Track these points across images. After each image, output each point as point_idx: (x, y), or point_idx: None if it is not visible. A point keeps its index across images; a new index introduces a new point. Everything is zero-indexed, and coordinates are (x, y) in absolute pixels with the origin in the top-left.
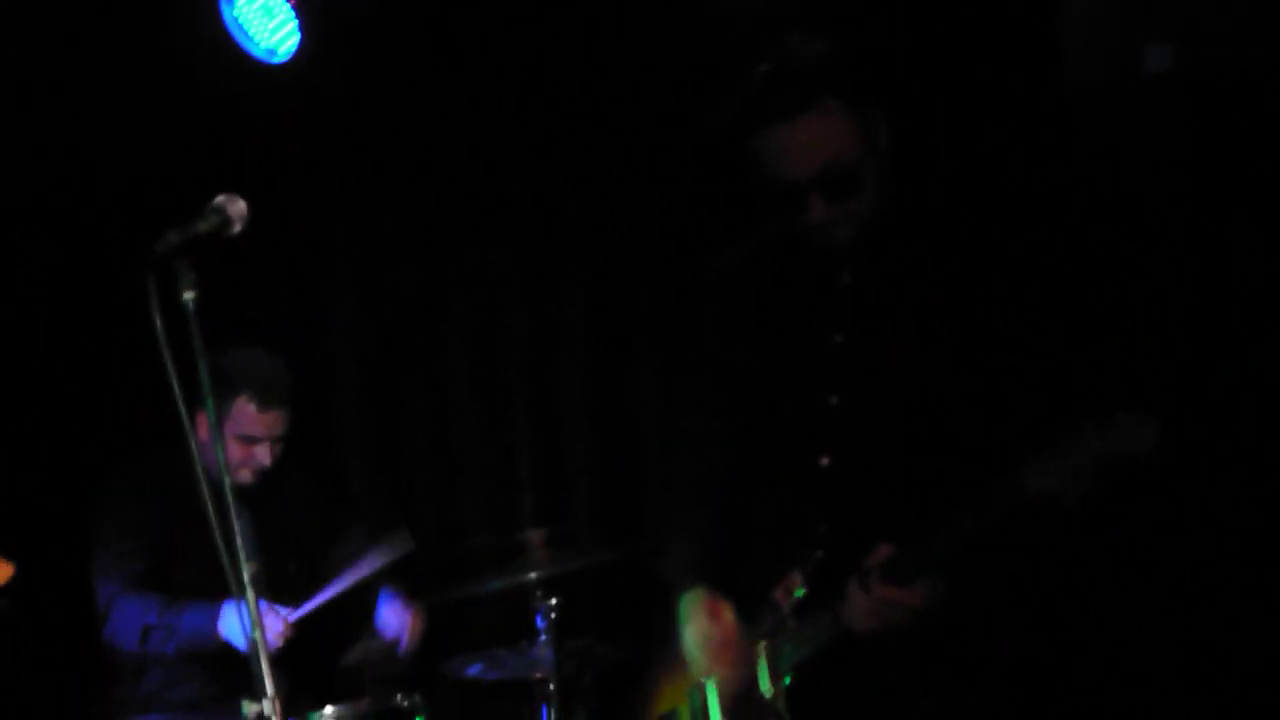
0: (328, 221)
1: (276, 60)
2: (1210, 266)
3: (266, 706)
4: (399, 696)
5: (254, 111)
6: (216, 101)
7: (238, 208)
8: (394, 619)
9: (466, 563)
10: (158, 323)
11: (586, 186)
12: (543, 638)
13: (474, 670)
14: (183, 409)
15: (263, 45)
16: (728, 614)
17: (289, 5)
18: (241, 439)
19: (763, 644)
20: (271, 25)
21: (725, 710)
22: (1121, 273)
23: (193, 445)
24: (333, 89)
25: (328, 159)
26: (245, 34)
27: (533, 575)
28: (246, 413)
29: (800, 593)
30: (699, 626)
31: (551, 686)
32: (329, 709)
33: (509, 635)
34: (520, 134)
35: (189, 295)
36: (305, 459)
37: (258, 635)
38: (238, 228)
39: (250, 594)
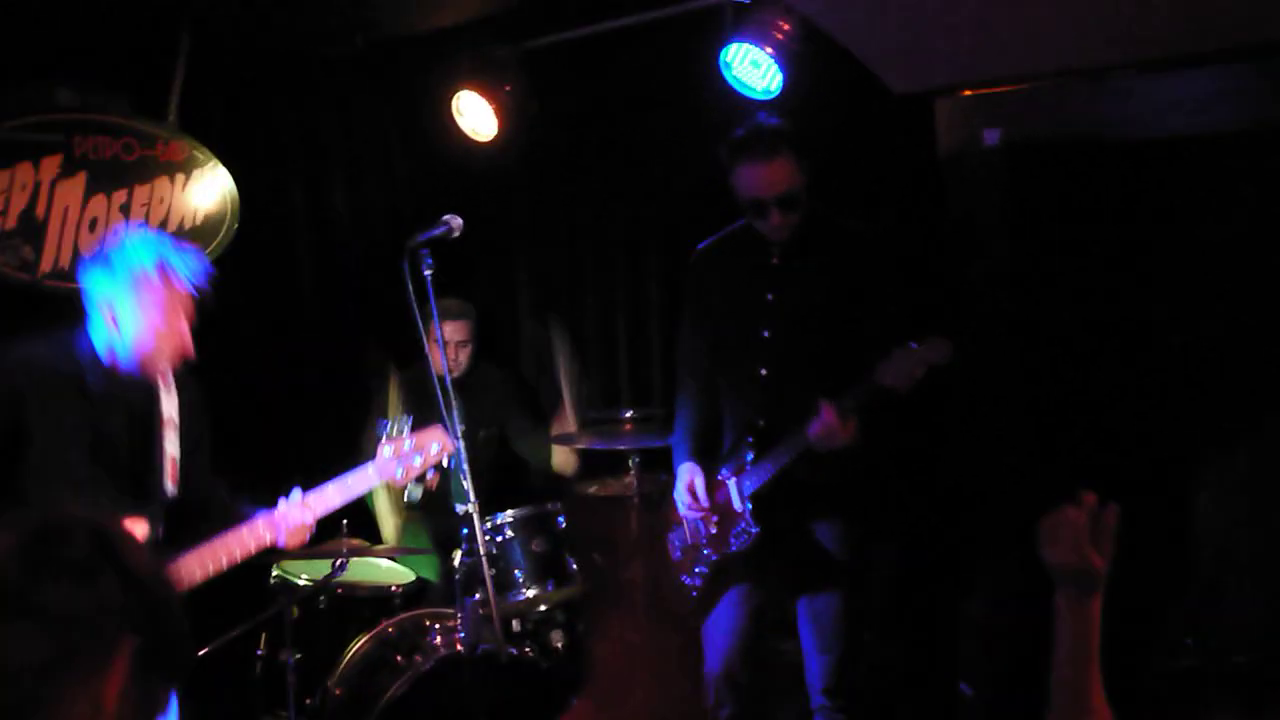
0: (507, 231)
1: (485, 140)
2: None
3: (471, 508)
4: (548, 504)
5: (473, 169)
6: (445, 160)
7: (458, 222)
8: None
9: (590, 427)
10: (409, 287)
11: (653, 201)
12: (632, 471)
13: (591, 489)
14: (423, 335)
15: (477, 130)
16: (700, 486)
17: (491, 106)
18: (449, 345)
19: (732, 480)
20: (482, 118)
21: (714, 520)
22: (939, 263)
23: (428, 356)
24: (515, 155)
25: (511, 196)
26: (467, 123)
27: (623, 447)
28: (440, 328)
29: (750, 445)
30: (681, 492)
31: (635, 501)
32: (508, 511)
33: (612, 470)
34: (624, 177)
35: (427, 272)
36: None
37: (463, 463)
38: (456, 234)
39: (462, 444)
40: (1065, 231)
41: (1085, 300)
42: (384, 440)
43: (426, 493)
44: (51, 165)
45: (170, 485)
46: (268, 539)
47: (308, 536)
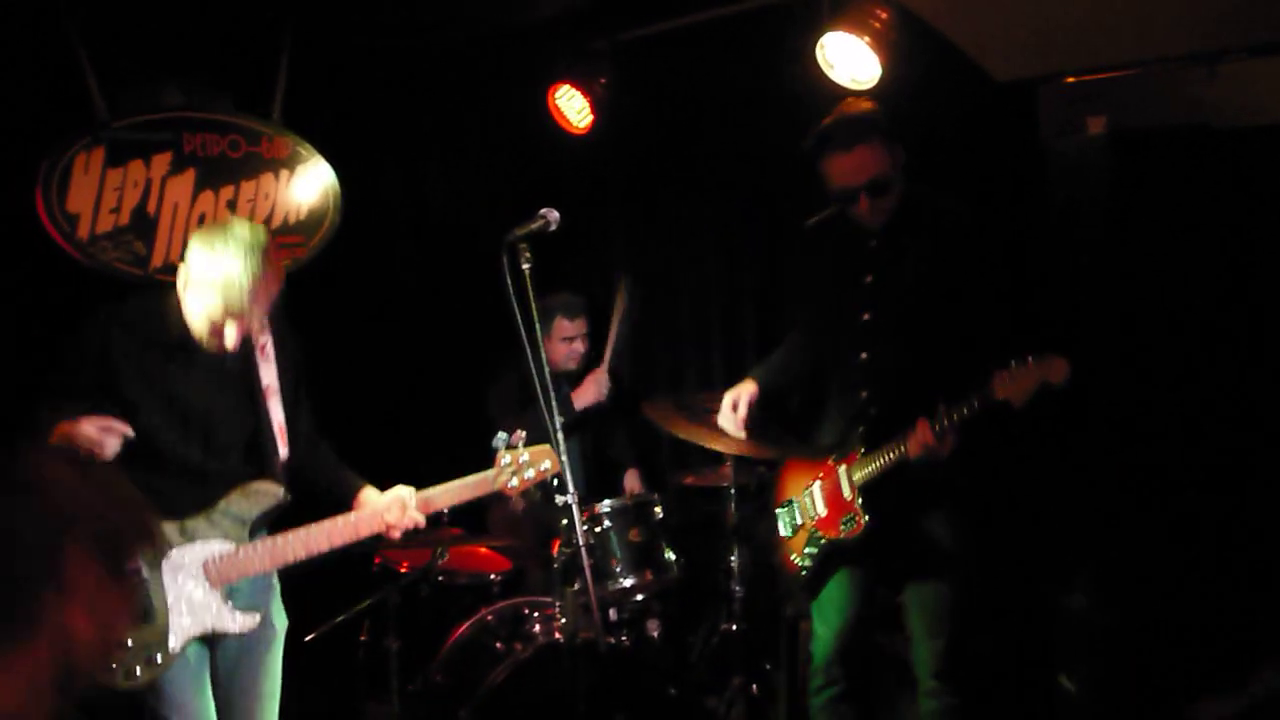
0: (602, 222)
1: (580, 133)
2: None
3: (570, 498)
4: (645, 494)
5: (567, 162)
6: (548, 156)
7: (555, 215)
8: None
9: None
10: (509, 281)
11: (746, 191)
12: (729, 462)
13: (689, 480)
14: (522, 331)
15: (572, 123)
16: (744, 403)
17: (586, 99)
18: (564, 340)
19: (843, 468)
20: (577, 112)
21: (825, 503)
22: (1041, 254)
23: (527, 353)
24: (610, 148)
25: (606, 188)
26: (561, 117)
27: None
28: (562, 325)
29: (862, 434)
30: (728, 399)
31: (732, 490)
32: (606, 502)
33: (710, 460)
34: (718, 167)
35: (526, 266)
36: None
37: (562, 454)
38: (554, 227)
39: (561, 436)
40: (1174, 222)
41: (1195, 294)
42: (500, 452)
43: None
44: (162, 163)
45: (284, 450)
46: (373, 531)
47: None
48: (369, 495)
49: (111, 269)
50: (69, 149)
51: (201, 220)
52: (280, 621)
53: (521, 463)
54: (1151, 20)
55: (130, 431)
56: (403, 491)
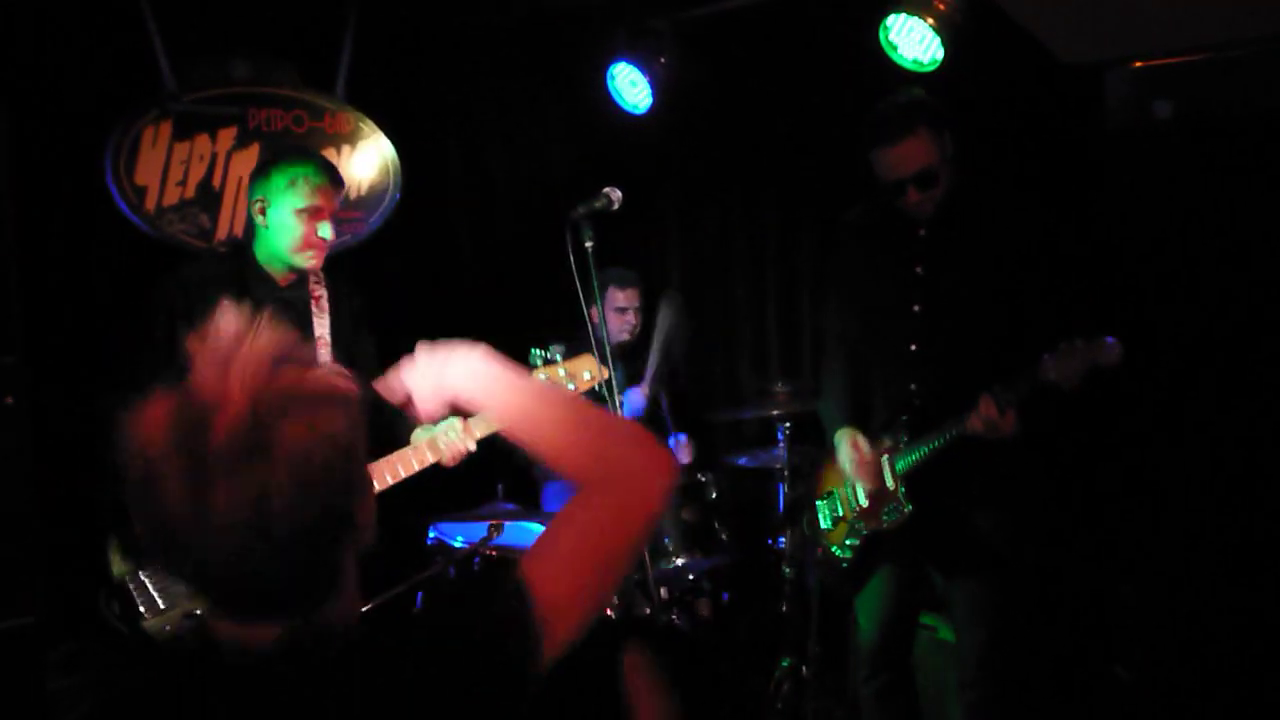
0: (660, 203)
1: (638, 112)
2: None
3: None
4: (698, 475)
5: (625, 141)
6: (607, 134)
7: (617, 194)
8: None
9: (743, 397)
10: (571, 257)
11: (805, 174)
12: (781, 443)
13: (741, 461)
14: (584, 305)
15: (630, 102)
16: (863, 443)
17: (647, 79)
18: (617, 311)
19: (885, 457)
20: (635, 91)
21: (867, 496)
22: (1104, 242)
23: (588, 320)
24: (668, 128)
25: (664, 168)
26: (620, 95)
27: (775, 413)
28: (615, 295)
29: (905, 423)
30: (846, 453)
31: (786, 472)
32: None
33: (762, 441)
34: (777, 150)
35: (589, 243)
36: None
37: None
38: (616, 206)
39: (618, 401)
40: (1244, 211)
41: (1259, 283)
42: (537, 369)
43: None
44: (227, 137)
45: None
46: (430, 460)
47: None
48: (420, 434)
49: (177, 240)
50: (137, 121)
51: None
52: None
53: (560, 377)
54: (1222, 3)
55: None
56: (453, 420)
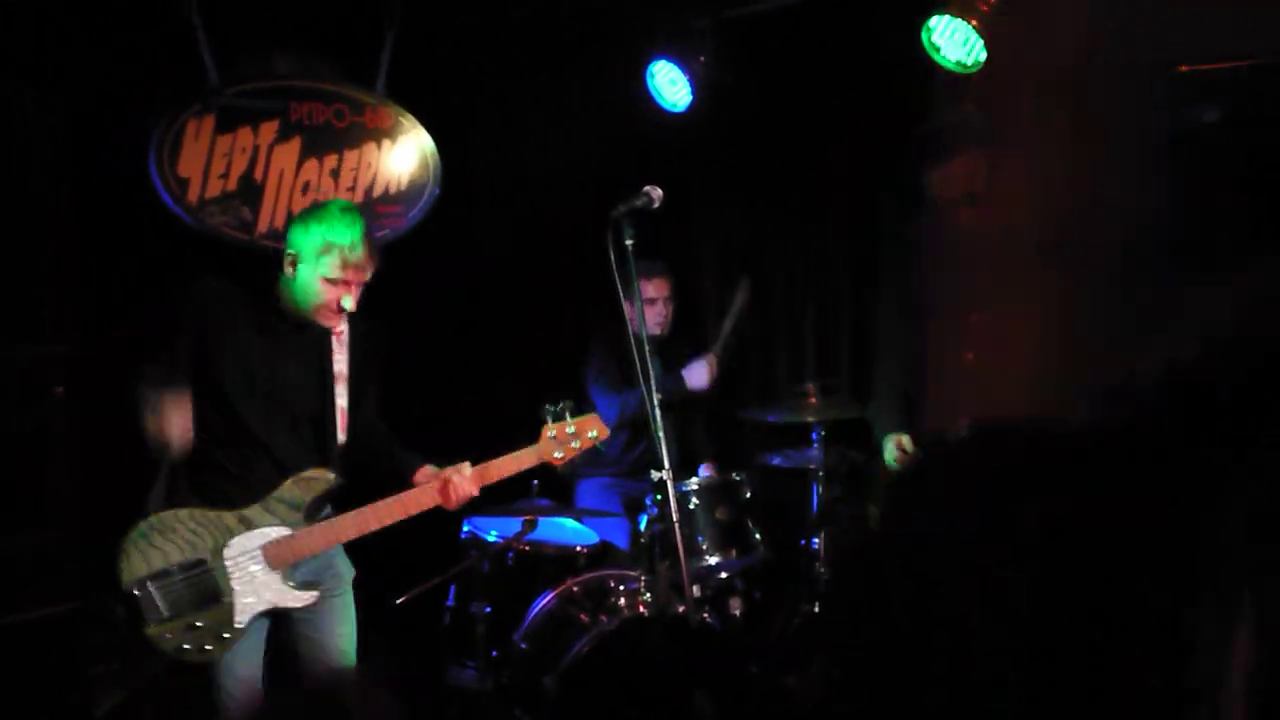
0: (697, 201)
1: (677, 110)
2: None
3: (666, 474)
4: (733, 474)
5: (664, 139)
6: (645, 132)
7: (658, 193)
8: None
9: (777, 398)
10: (611, 252)
11: (843, 175)
12: (815, 444)
13: (775, 460)
14: (623, 301)
15: (669, 100)
16: (908, 444)
17: (686, 78)
18: (647, 302)
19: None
20: (675, 89)
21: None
22: None
23: (626, 317)
24: (707, 127)
25: (702, 167)
26: (659, 93)
27: (810, 419)
28: (644, 287)
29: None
30: (892, 454)
31: (821, 473)
32: (693, 479)
33: (796, 441)
34: (814, 150)
35: (629, 241)
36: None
37: (658, 430)
38: (657, 205)
39: (655, 399)
40: None
41: None
42: (547, 424)
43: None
44: (269, 130)
45: (341, 435)
46: (431, 504)
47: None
48: (426, 472)
49: (218, 233)
50: (181, 114)
51: (305, 188)
52: (347, 572)
53: (568, 434)
54: (1272, 8)
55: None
56: (461, 467)
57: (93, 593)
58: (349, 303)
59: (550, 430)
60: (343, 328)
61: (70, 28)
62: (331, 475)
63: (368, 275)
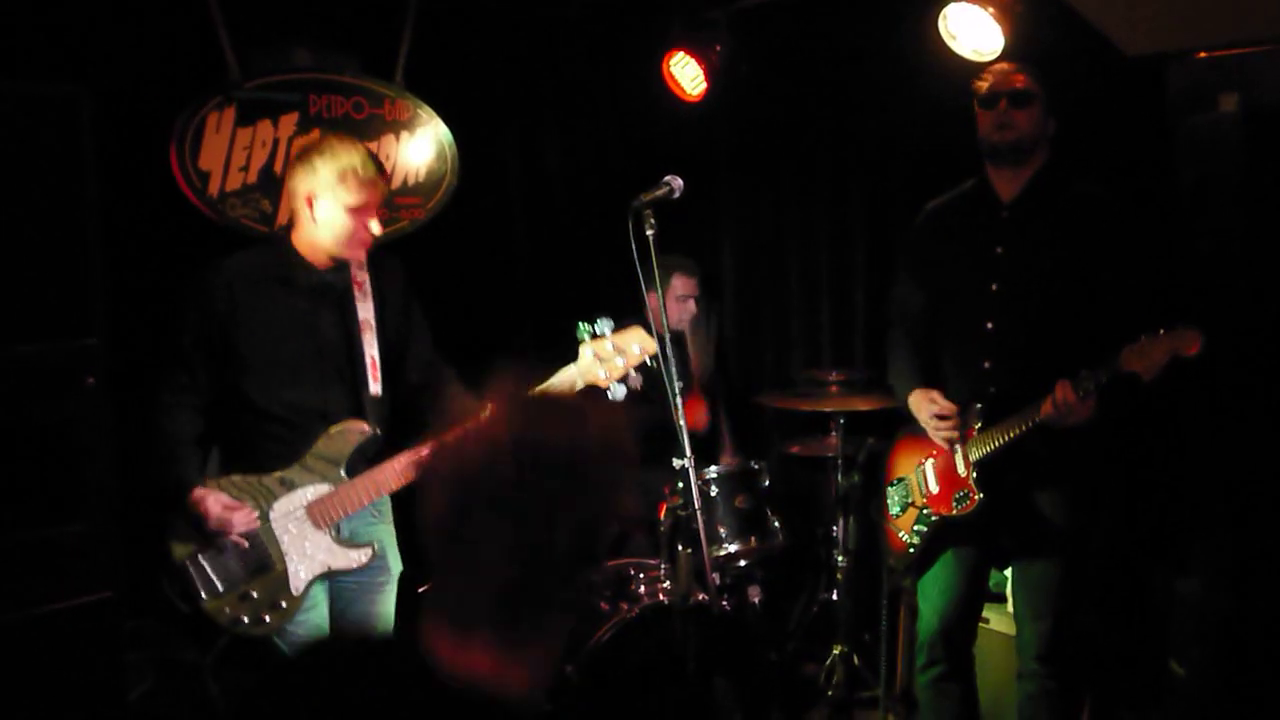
0: (714, 191)
1: (693, 100)
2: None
3: (687, 462)
4: (752, 462)
5: (680, 129)
6: (662, 122)
7: (678, 183)
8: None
9: (796, 389)
10: (634, 243)
11: (859, 164)
12: (834, 433)
13: (794, 449)
14: (644, 293)
15: (685, 91)
16: (940, 396)
17: (702, 68)
18: (679, 299)
19: (959, 444)
20: (691, 79)
21: (937, 480)
22: (1169, 235)
23: (647, 310)
24: (723, 117)
25: (718, 157)
26: (676, 83)
27: (829, 409)
28: (677, 283)
29: (980, 410)
30: (924, 408)
31: (839, 461)
32: (713, 467)
33: (814, 431)
34: (831, 140)
35: (650, 231)
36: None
37: (680, 419)
38: (677, 194)
39: (676, 389)
40: None
41: None
42: (585, 343)
43: (631, 392)
44: (289, 123)
45: (374, 385)
46: None
47: None
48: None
49: (239, 225)
50: (202, 108)
51: None
52: (395, 566)
53: (608, 350)
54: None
55: (252, 522)
56: None
57: (138, 577)
58: (375, 226)
59: (587, 351)
60: (363, 277)
61: (102, 24)
62: (366, 426)
63: (384, 193)
